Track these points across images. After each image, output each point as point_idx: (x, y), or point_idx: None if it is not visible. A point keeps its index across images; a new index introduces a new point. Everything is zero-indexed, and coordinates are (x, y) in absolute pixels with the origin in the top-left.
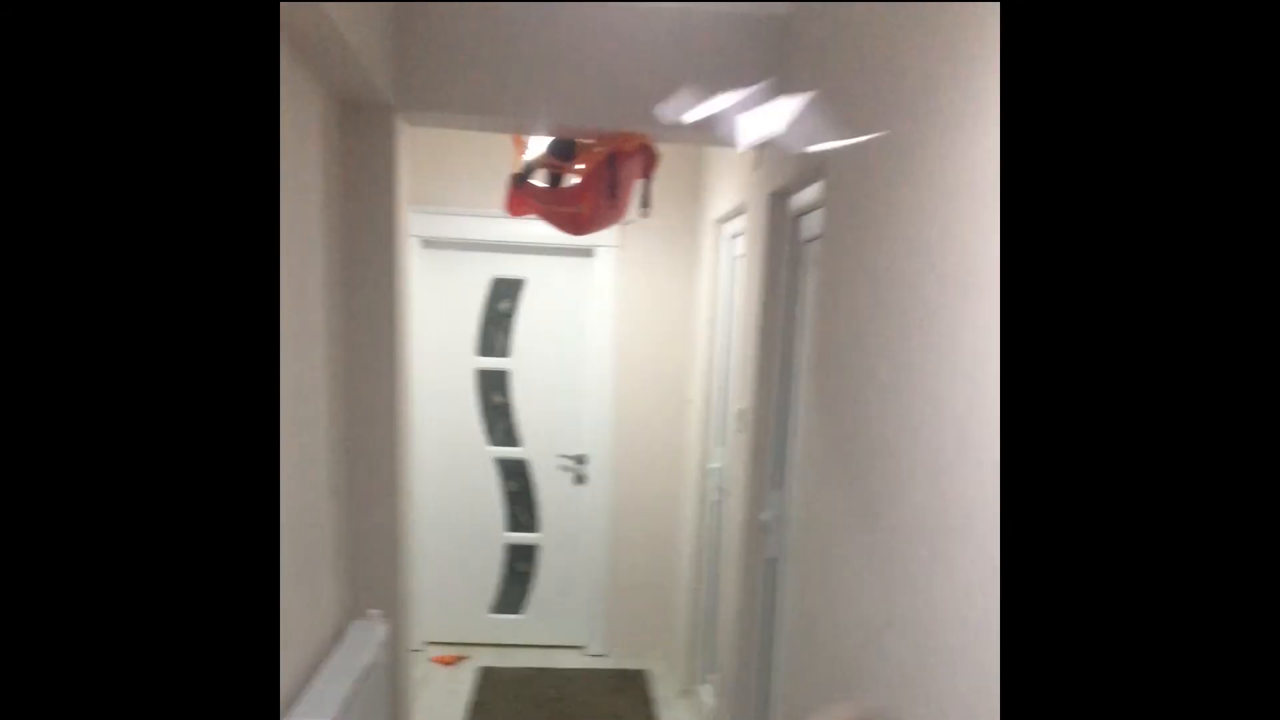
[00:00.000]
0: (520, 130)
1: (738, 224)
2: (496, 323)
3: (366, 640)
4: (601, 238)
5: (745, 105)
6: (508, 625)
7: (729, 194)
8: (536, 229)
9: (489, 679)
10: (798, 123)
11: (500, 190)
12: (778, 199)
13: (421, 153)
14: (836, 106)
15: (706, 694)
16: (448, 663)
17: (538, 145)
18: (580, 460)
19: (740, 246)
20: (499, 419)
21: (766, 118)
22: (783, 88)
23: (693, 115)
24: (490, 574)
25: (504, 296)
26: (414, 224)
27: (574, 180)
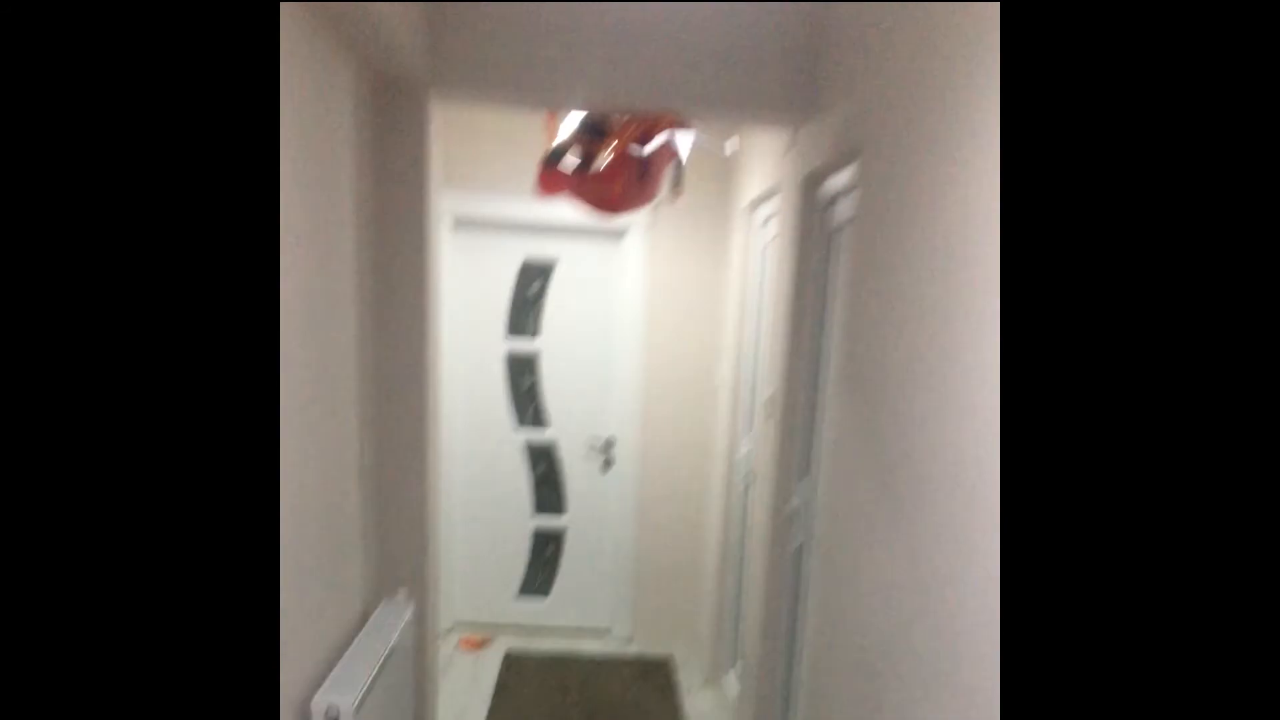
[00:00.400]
0: (553, 109)
1: (769, 208)
2: (526, 304)
3: (393, 621)
4: (632, 220)
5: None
6: (533, 609)
7: (761, 177)
8: (567, 210)
9: (514, 663)
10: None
11: (531, 170)
12: (810, 183)
13: (453, 132)
14: (871, 86)
15: (731, 682)
16: (474, 645)
17: (570, 125)
18: (608, 445)
19: (771, 231)
20: (527, 402)
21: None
22: (818, 66)
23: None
24: (517, 557)
25: (534, 278)
26: (445, 203)
27: (606, 161)
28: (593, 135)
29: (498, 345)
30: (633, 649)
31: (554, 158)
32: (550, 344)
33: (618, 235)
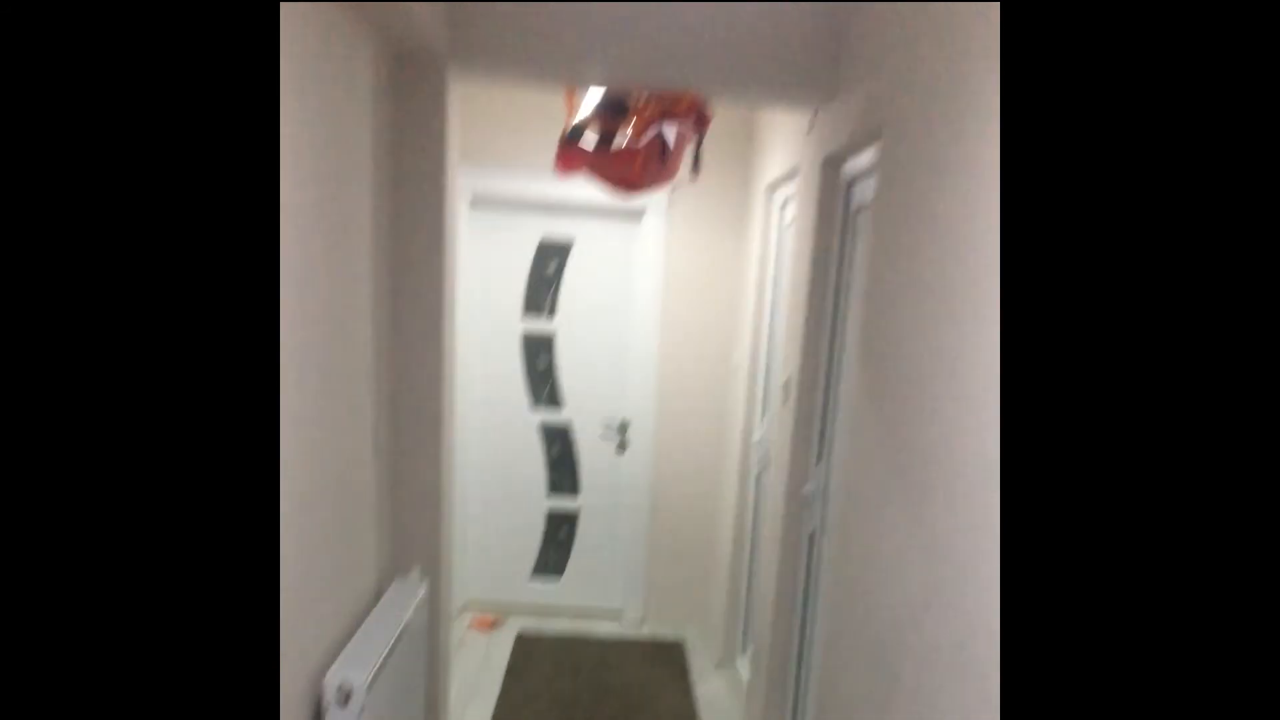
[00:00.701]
0: (572, 86)
1: (789, 189)
2: (543, 284)
3: (406, 599)
4: (651, 200)
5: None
6: (546, 590)
7: (781, 157)
8: (586, 189)
9: (526, 644)
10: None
11: (550, 148)
12: (830, 164)
13: (471, 108)
14: (894, 66)
15: (743, 666)
16: (486, 625)
17: (590, 102)
18: (623, 426)
19: (791, 212)
20: (543, 382)
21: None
22: (841, 45)
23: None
24: (531, 538)
25: (551, 257)
26: (462, 181)
27: (626, 139)
28: (613, 113)
29: (514, 325)
30: (645, 631)
31: (573, 135)
32: (567, 324)
33: (636, 215)
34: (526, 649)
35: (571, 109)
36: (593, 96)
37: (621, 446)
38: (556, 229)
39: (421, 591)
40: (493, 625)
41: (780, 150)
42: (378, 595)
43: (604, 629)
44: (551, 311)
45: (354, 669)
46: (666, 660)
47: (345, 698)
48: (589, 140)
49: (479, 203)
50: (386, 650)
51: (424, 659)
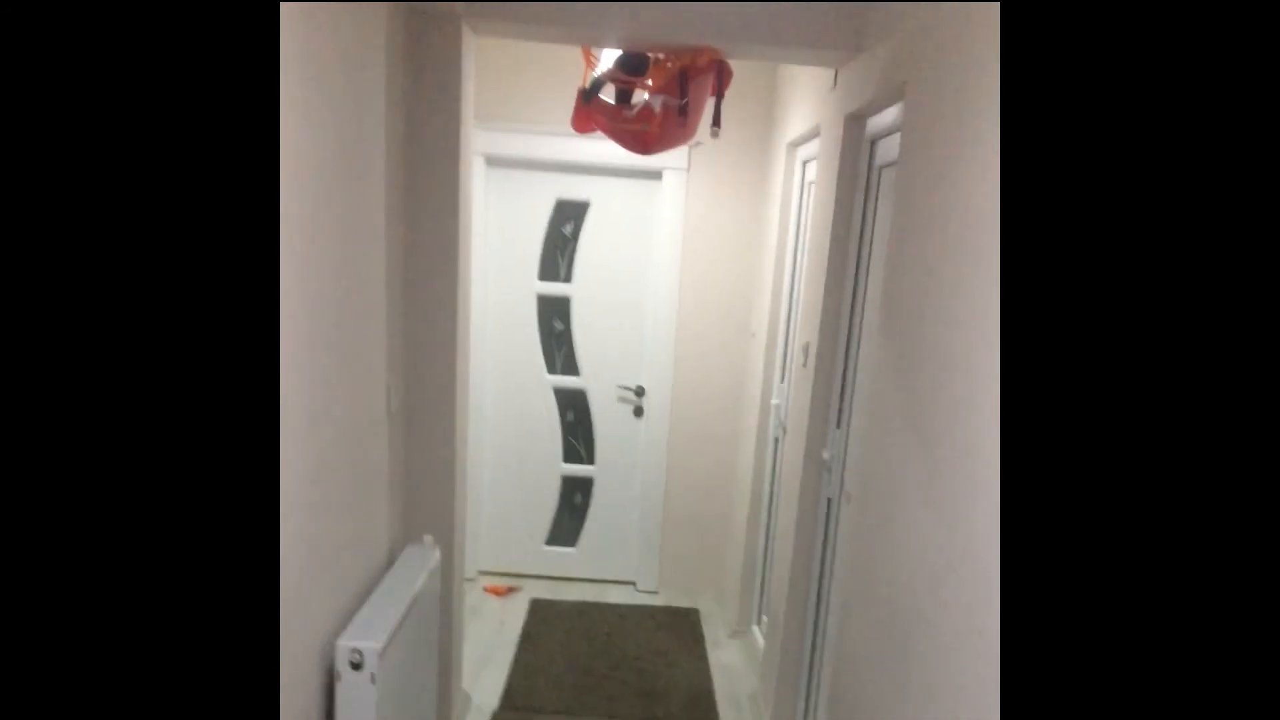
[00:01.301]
0: (590, 43)
1: (811, 148)
2: (559, 247)
3: (419, 566)
4: (670, 159)
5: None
6: (560, 558)
7: (804, 115)
8: (603, 149)
9: (540, 611)
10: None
11: (566, 108)
12: (854, 121)
13: (486, 67)
14: (918, 20)
15: (757, 635)
16: (500, 593)
17: (607, 59)
18: (639, 392)
19: (814, 171)
20: (558, 347)
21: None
22: None
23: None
24: (545, 506)
25: (567, 219)
26: (477, 140)
27: (644, 97)
28: (631, 69)
29: (530, 288)
30: (660, 599)
31: (591, 91)
32: (583, 288)
33: (654, 175)
34: (541, 616)
35: (589, 64)
36: (611, 51)
37: (637, 413)
38: (573, 189)
39: (435, 558)
40: (507, 592)
41: (803, 107)
42: (391, 562)
43: (618, 597)
44: (567, 275)
45: (366, 635)
46: (681, 628)
47: (357, 664)
48: (607, 97)
49: (494, 162)
50: (399, 617)
51: (437, 625)
